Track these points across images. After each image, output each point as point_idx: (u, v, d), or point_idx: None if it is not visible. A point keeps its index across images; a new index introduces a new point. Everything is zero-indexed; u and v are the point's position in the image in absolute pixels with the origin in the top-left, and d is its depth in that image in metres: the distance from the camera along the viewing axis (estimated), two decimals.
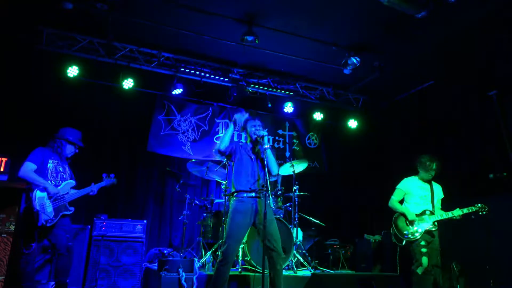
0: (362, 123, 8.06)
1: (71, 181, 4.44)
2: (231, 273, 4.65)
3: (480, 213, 4.51)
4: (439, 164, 4.81)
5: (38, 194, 4.09)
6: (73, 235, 4.73)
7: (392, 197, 4.96)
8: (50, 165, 4.30)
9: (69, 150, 4.48)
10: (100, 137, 6.46)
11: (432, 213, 4.70)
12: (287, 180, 6.32)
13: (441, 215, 4.66)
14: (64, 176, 4.39)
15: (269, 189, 3.70)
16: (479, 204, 4.52)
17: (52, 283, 4.67)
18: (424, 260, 4.52)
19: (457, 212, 4.58)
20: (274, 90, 7.46)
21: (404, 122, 7.67)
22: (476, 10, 5.02)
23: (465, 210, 4.55)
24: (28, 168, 4.15)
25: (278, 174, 5.40)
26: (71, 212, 4.35)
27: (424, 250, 4.56)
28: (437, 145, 6.72)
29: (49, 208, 4.15)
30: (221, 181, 6.20)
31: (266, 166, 3.79)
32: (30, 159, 4.21)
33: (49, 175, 4.26)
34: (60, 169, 4.39)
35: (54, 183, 4.28)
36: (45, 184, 4.15)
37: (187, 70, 6.82)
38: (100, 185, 4.59)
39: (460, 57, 6.04)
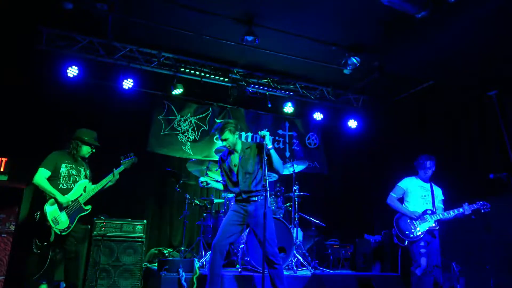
0: (362, 123, 8.06)
1: (83, 181, 4.42)
2: (231, 273, 4.67)
3: (482, 211, 4.52)
4: (430, 160, 4.83)
5: (48, 209, 4.11)
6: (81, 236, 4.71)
7: (391, 193, 4.94)
8: (63, 169, 4.31)
9: (86, 150, 4.50)
10: (99, 137, 6.43)
11: (433, 212, 4.70)
12: (287, 180, 6.31)
13: (443, 214, 4.66)
14: (77, 179, 4.38)
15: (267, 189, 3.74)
16: (481, 202, 4.54)
17: (56, 282, 4.68)
18: (423, 261, 4.51)
19: (460, 210, 4.58)
20: (274, 90, 7.46)
21: (404, 122, 7.66)
22: (476, 10, 5.02)
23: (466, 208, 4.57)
24: (41, 175, 4.17)
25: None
26: (87, 212, 4.37)
27: (423, 250, 4.56)
28: (437, 145, 6.71)
29: (64, 217, 4.16)
30: (221, 181, 6.18)
31: (264, 167, 3.82)
32: (44, 165, 4.23)
33: (61, 179, 4.27)
34: (74, 172, 4.38)
35: (66, 186, 4.28)
36: (54, 195, 4.14)
37: (187, 70, 6.82)
38: (118, 170, 4.56)
39: (460, 57, 6.04)
